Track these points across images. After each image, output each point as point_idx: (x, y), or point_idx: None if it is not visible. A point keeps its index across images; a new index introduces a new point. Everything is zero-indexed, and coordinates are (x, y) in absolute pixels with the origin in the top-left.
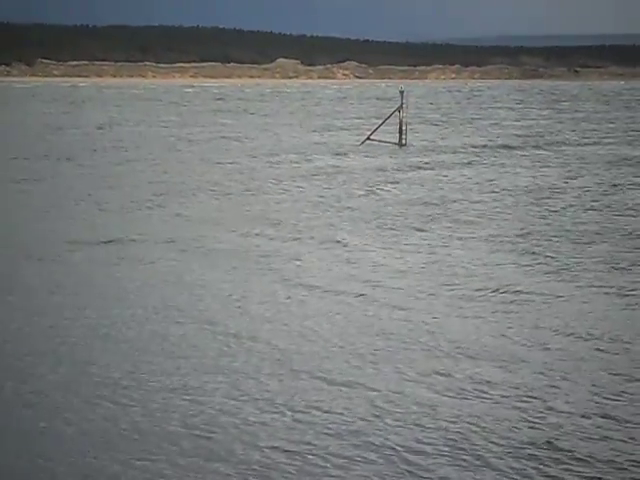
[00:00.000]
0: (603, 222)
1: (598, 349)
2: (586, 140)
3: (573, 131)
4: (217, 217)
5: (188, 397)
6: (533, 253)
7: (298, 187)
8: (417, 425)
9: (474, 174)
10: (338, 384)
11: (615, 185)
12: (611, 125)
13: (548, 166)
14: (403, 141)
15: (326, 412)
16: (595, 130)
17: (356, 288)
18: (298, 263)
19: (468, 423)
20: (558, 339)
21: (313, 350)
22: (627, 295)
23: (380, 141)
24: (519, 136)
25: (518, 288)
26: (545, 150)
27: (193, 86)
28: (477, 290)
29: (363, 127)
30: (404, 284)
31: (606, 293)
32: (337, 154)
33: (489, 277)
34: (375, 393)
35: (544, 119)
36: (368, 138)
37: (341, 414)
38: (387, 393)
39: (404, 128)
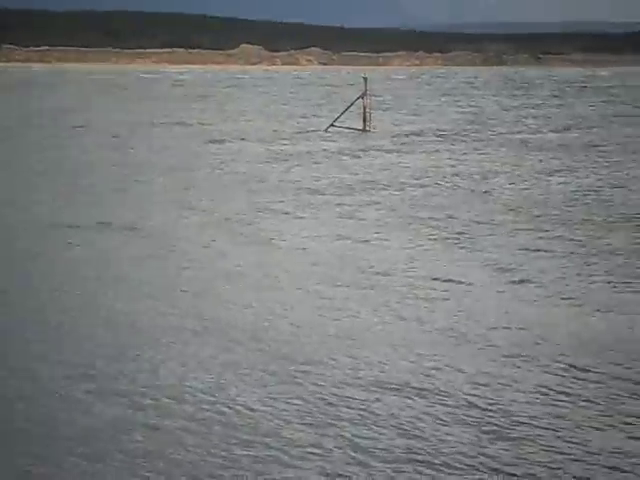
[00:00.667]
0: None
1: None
2: (525, 128)
3: (519, 119)
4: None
5: None
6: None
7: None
8: None
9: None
10: None
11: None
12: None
13: (484, 152)
14: (367, 127)
15: None
16: (536, 117)
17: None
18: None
19: None
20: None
21: None
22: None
23: (344, 127)
24: (465, 122)
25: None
26: (487, 136)
27: (158, 72)
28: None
29: (328, 113)
30: None
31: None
32: (301, 139)
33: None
34: None
35: (495, 105)
36: (332, 124)
37: None
38: None
39: (368, 114)
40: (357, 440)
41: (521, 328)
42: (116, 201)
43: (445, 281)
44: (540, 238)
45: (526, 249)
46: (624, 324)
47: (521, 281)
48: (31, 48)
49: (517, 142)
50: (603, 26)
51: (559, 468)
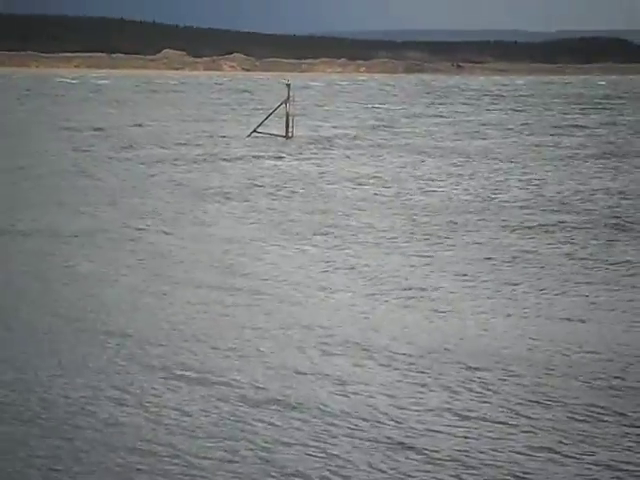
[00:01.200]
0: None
1: None
2: (424, 133)
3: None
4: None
5: None
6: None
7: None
8: None
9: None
10: None
11: None
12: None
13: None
14: (289, 133)
15: None
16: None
17: None
18: None
19: None
20: None
21: None
22: None
23: (267, 134)
24: (371, 129)
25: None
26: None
27: (74, 78)
28: None
29: (251, 120)
30: None
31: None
32: (222, 145)
33: None
34: None
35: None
36: (255, 130)
37: None
38: None
39: (290, 121)
40: None
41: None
42: None
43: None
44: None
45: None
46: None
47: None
48: None
49: (416, 148)
50: (520, 35)
51: None
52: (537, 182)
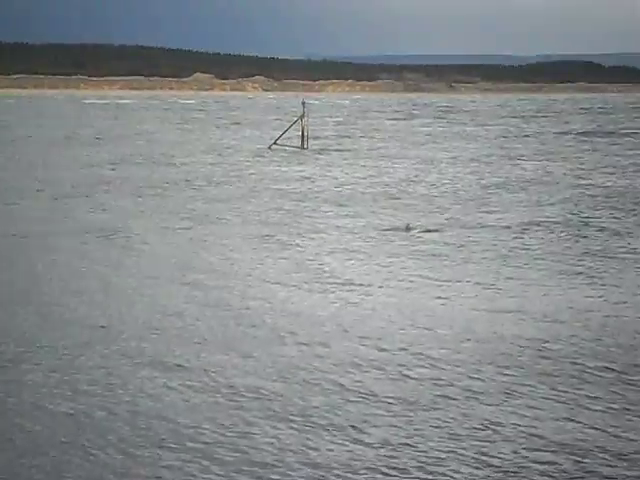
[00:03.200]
0: None
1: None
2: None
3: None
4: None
5: None
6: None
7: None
8: None
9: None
10: None
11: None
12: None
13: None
14: (305, 145)
15: None
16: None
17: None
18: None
19: None
20: None
21: None
22: None
23: (285, 145)
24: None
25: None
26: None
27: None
28: None
29: (272, 132)
30: None
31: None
32: (249, 155)
33: None
34: None
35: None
36: (275, 143)
37: None
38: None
39: (305, 134)
40: None
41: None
42: None
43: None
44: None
45: None
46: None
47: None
48: (10, 76)
49: (379, 155)
50: (505, 59)
51: None
52: None
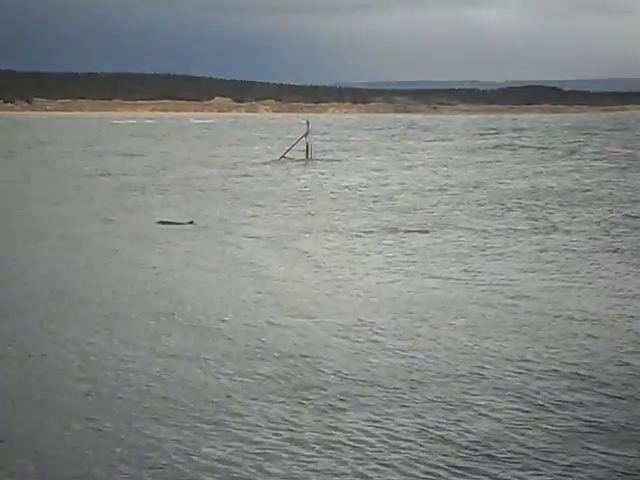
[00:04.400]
0: None
1: None
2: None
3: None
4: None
5: None
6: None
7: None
8: None
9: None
10: None
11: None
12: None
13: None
14: (309, 157)
15: None
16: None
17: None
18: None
19: None
20: None
21: None
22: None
23: (292, 158)
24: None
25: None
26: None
27: (151, 118)
28: None
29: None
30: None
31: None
32: (262, 164)
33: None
34: None
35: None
36: (283, 156)
37: None
38: None
39: (309, 148)
40: None
41: None
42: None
43: None
44: None
45: None
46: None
47: None
48: (57, 100)
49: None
50: (479, 84)
51: None
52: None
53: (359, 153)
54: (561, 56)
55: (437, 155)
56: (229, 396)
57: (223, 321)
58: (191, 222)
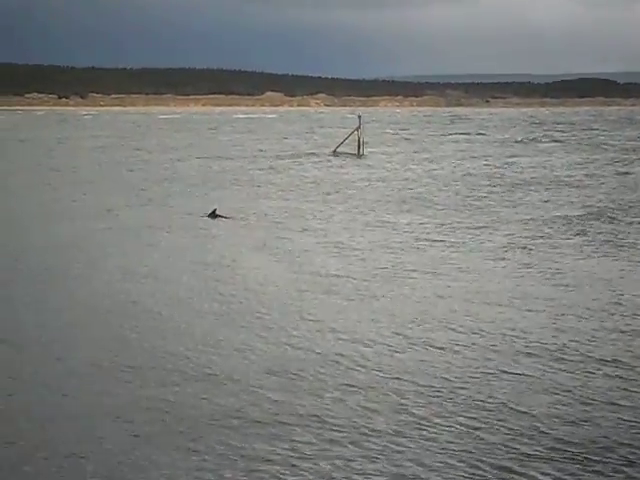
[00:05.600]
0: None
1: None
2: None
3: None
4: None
5: None
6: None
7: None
8: None
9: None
10: None
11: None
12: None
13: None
14: (360, 152)
15: None
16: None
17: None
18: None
19: None
20: None
21: None
22: None
23: (344, 153)
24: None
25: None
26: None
27: (202, 113)
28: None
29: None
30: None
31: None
32: (316, 159)
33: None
34: None
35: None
36: (335, 151)
37: None
38: None
39: (361, 143)
40: None
41: None
42: None
43: None
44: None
45: None
46: None
47: None
48: (111, 96)
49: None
50: (533, 77)
51: None
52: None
53: (398, 148)
54: (617, 48)
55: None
56: None
57: None
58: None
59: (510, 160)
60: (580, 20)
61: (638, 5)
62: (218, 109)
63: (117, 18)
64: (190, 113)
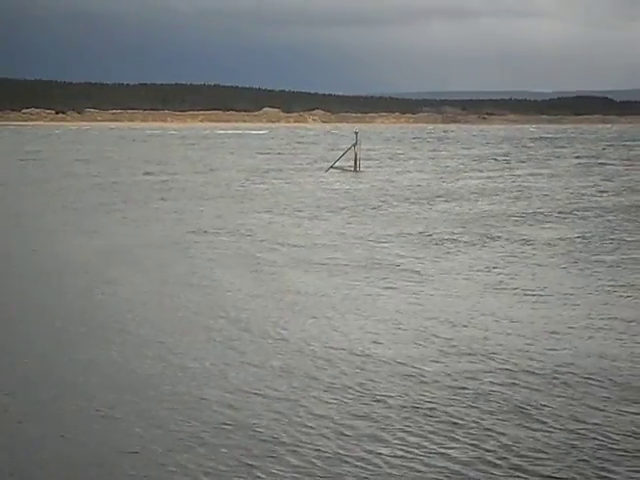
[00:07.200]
0: None
1: None
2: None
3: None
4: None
5: None
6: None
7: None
8: None
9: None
10: None
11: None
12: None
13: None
14: (357, 168)
15: None
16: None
17: None
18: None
19: None
20: None
21: None
22: None
23: (341, 168)
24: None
25: None
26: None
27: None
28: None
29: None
30: None
31: None
32: (312, 175)
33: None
34: None
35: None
36: (332, 166)
37: None
38: None
39: (358, 159)
40: None
41: None
42: None
43: None
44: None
45: None
46: None
47: None
48: (108, 111)
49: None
50: (529, 95)
51: None
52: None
53: (392, 163)
54: (613, 66)
55: (451, 162)
56: None
57: None
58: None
59: (461, 175)
60: (579, 39)
61: (635, 24)
62: (211, 125)
63: (114, 33)
64: (179, 129)
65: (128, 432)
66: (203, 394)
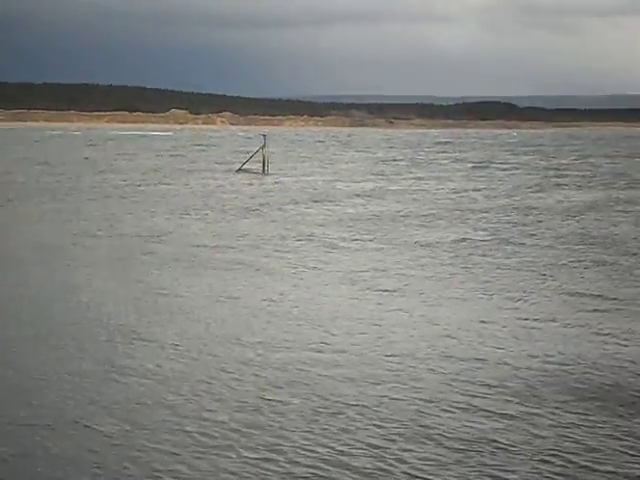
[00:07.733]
0: None
1: None
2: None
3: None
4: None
5: None
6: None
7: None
8: None
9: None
10: None
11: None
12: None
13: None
14: (265, 171)
15: None
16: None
17: None
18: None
19: None
20: None
21: None
22: None
23: (249, 170)
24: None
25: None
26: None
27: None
28: None
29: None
30: None
31: None
32: (221, 176)
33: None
34: None
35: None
36: (240, 168)
37: None
38: None
39: (266, 161)
40: None
41: None
42: None
43: None
44: None
45: None
46: None
47: None
48: (11, 111)
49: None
50: (435, 99)
51: None
52: None
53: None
54: (516, 73)
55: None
56: None
57: None
58: None
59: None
60: (483, 46)
61: (538, 32)
62: (117, 126)
63: (19, 31)
64: (80, 129)
65: None
66: None
